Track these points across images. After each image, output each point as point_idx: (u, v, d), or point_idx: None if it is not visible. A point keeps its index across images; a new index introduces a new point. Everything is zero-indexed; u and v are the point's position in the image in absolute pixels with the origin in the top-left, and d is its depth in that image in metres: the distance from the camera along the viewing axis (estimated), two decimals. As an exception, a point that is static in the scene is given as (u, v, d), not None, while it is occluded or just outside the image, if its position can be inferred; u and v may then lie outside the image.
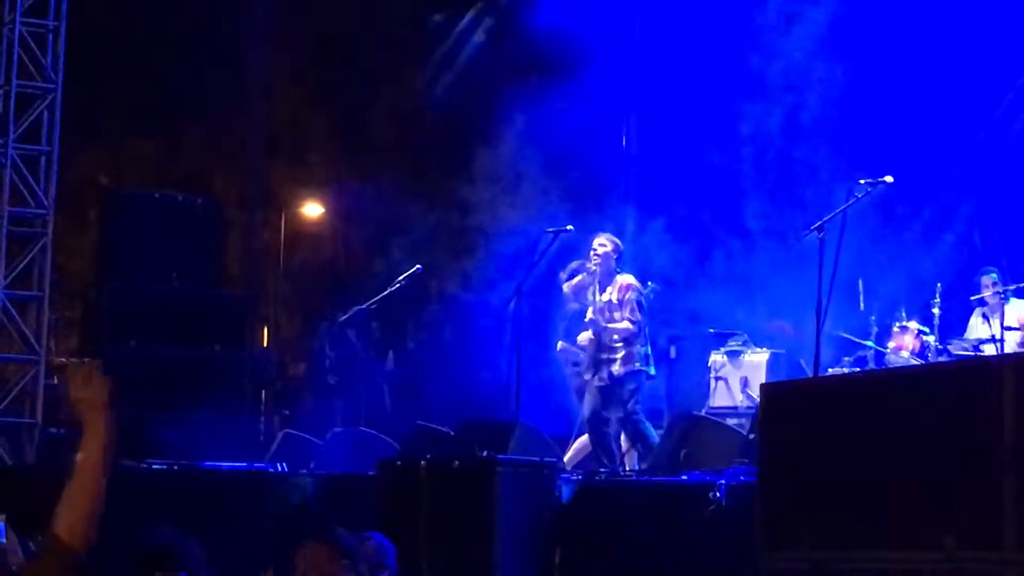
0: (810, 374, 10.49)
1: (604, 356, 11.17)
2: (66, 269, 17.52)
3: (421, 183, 18.38)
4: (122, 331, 13.96)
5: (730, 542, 7.94)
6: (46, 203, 13.54)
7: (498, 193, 14.47)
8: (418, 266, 13.10)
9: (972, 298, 12.21)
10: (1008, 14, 12.69)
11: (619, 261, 11.41)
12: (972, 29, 12.64)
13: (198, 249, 15.14)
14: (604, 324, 11.17)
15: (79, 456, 3.94)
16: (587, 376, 11.30)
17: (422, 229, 16.84)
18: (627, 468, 11.19)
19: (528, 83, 14.21)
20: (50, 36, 13.71)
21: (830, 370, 11.22)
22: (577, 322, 11.60)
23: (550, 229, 11.53)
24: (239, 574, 7.71)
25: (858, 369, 11.76)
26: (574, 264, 11.62)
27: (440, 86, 17.78)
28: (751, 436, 9.36)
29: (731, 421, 11.49)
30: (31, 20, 13.62)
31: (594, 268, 11.33)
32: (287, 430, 13.68)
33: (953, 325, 12.32)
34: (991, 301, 12.02)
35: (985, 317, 12.07)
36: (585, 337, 11.28)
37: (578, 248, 11.61)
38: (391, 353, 16.98)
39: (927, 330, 12.03)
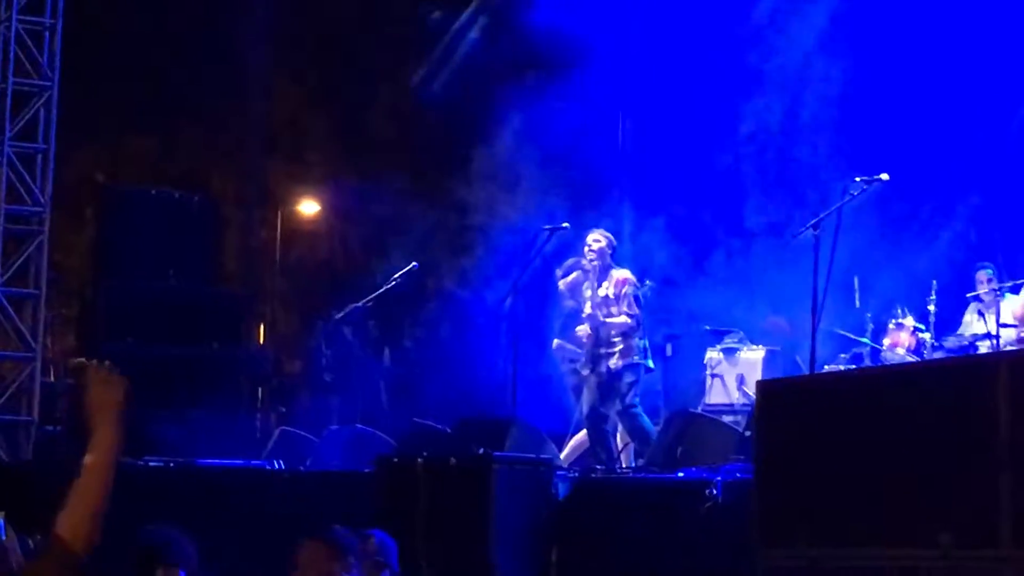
0: (806, 371, 10.49)
1: (602, 351, 11.17)
2: (63, 267, 17.52)
3: (418, 181, 18.40)
4: (119, 328, 13.97)
5: (726, 539, 7.95)
6: (43, 201, 13.54)
7: (495, 191, 14.48)
8: (414, 263, 13.10)
9: (968, 295, 12.23)
10: (1006, 13, 12.70)
11: (613, 256, 11.42)
12: (970, 27, 12.65)
13: (195, 247, 15.14)
14: (602, 319, 11.17)
15: (87, 458, 3.88)
16: (585, 372, 11.29)
17: (419, 227, 16.85)
18: (623, 465, 11.19)
19: (525, 81, 14.21)
20: (47, 34, 13.70)
21: (826, 367, 11.23)
22: (573, 319, 11.59)
23: (547, 226, 11.54)
24: (235, 571, 7.72)
25: (854, 366, 11.77)
26: (570, 261, 11.62)
27: (437, 84, 17.77)
28: (747, 433, 9.36)
29: (727, 418, 11.49)
30: (28, 18, 13.62)
31: (588, 265, 11.32)
32: (283, 427, 13.67)
33: (949, 322, 12.33)
34: (986, 298, 12.03)
35: (980, 314, 12.08)
36: (583, 332, 11.27)
37: (575, 245, 11.62)
38: (387, 351, 16.98)
39: (923, 327, 12.04)
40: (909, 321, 12.09)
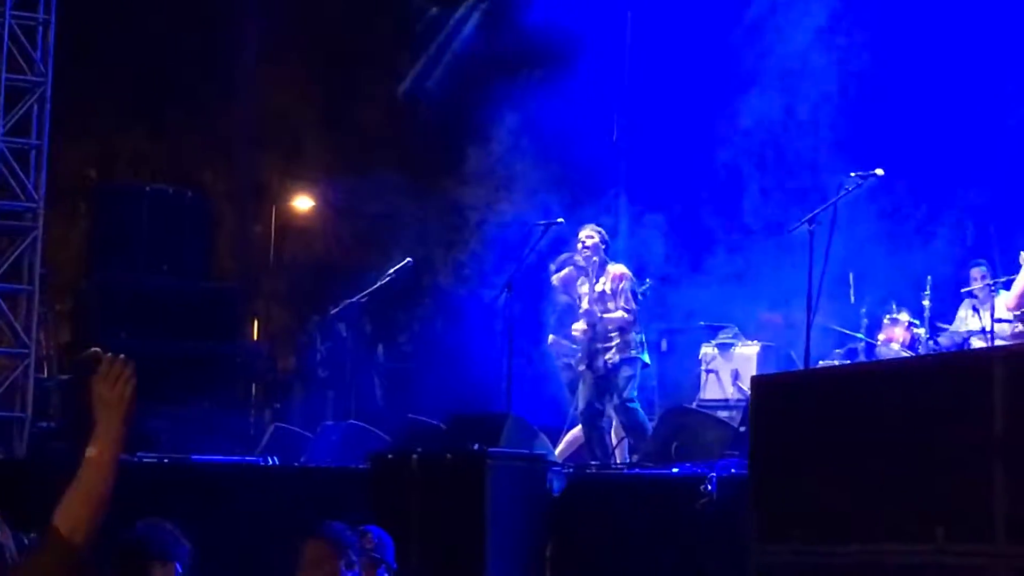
0: (801, 366, 10.50)
1: (599, 346, 11.15)
2: (56, 262, 17.49)
3: (412, 177, 18.38)
4: (112, 324, 13.95)
5: (721, 535, 7.95)
6: (36, 197, 13.50)
7: (490, 187, 14.47)
8: (408, 259, 13.08)
9: (962, 290, 12.24)
10: (1004, 10, 12.70)
11: (607, 251, 11.40)
12: (968, 24, 12.65)
13: (189, 242, 15.12)
14: (600, 315, 11.15)
15: (89, 451, 3.85)
16: (580, 367, 11.28)
17: (413, 223, 16.84)
18: (618, 460, 11.19)
19: (520, 77, 14.19)
20: (40, 29, 13.66)
21: (821, 362, 11.23)
22: (568, 315, 11.58)
23: (541, 222, 11.52)
24: (229, 567, 7.71)
25: (848, 361, 11.78)
26: (563, 256, 11.61)
27: (432, 80, 17.76)
28: (742, 428, 9.37)
29: (722, 414, 11.50)
30: (21, 13, 13.57)
31: (582, 261, 11.31)
32: (278, 423, 13.69)
33: (943, 318, 12.34)
34: (980, 293, 12.04)
35: (975, 309, 12.09)
36: (579, 328, 11.25)
37: (569, 241, 11.60)
38: (382, 347, 16.98)
39: (917, 322, 12.05)
40: (904, 316, 12.10)
